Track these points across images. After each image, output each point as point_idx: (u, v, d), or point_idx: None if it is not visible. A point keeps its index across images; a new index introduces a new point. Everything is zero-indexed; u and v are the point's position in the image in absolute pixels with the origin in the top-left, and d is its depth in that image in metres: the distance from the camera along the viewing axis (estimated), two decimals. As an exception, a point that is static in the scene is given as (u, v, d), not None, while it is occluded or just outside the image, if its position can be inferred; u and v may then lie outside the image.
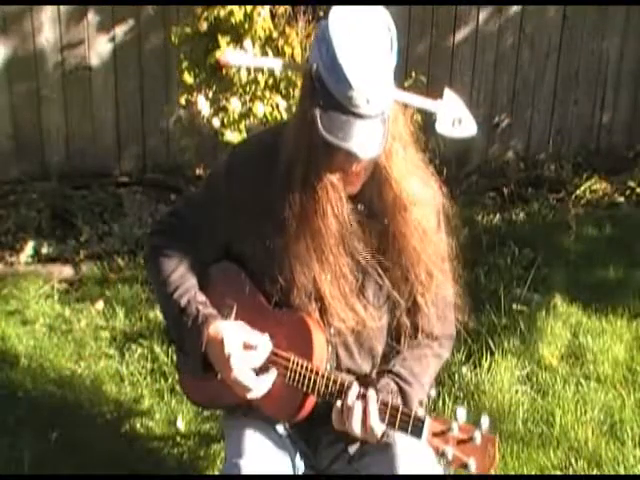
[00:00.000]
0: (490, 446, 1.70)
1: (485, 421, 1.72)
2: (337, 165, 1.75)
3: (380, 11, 1.71)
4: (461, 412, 1.74)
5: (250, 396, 1.86)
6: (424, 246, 1.88)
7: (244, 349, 1.84)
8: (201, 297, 1.93)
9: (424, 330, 1.99)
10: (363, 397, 1.79)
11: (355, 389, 1.81)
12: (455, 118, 1.88)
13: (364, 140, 1.68)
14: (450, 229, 1.97)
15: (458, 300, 2.03)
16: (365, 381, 1.91)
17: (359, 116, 1.67)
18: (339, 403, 1.81)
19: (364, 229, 1.85)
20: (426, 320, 1.98)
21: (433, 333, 2.00)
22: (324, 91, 1.67)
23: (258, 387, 1.85)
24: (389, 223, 1.86)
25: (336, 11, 1.68)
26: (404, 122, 1.82)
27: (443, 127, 1.89)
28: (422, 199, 1.87)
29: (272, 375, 1.86)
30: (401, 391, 1.90)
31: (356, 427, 1.79)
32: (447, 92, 1.90)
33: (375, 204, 1.85)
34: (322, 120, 1.66)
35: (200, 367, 1.90)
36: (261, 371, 1.86)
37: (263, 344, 1.87)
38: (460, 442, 1.72)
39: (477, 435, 1.71)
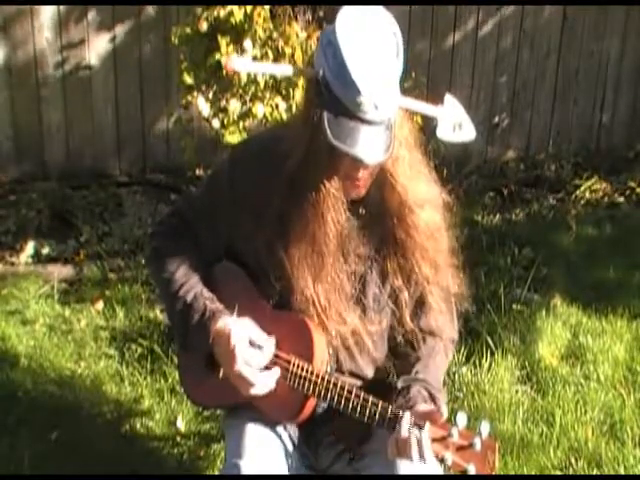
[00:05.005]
0: (490, 453, 1.69)
1: (485, 427, 1.70)
2: (343, 171, 1.74)
3: (386, 16, 1.70)
4: (461, 417, 1.72)
5: (254, 392, 1.84)
6: (430, 246, 1.87)
7: (250, 345, 1.83)
8: (207, 293, 1.92)
9: (431, 332, 1.98)
10: (416, 426, 1.73)
11: (407, 419, 1.75)
12: (455, 123, 1.89)
13: (371, 146, 1.67)
14: (451, 230, 1.97)
15: (461, 301, 2.02)
16: (366, 385, 1.91)
17: (366, 122, 1.66)
18: (393, 435, 1.75)
19: (365, 233, 1.85)
20: (432, 321, 1.97)
21: (441, 335, 1.99)
22: (331, 97, 1.66)
23: (262, 382, 1.83)
24: (394, 226, 1.85)
25: (342, 16, 1.67)
26: (409, 127, 1.81)
27: (444, 132, 1.89)
28: (429, 200, 1.86)
29: (275, 372, 1.85)
30: (431, 397, 1.89)
31: (414, 457, 1.72)
32: (447, 97, 1.90)
33: (377, 207, 1.84)
34: (330, 126, 1.65)
35: (204, 364, 1.89)
36: (265, 369, 1.85)
37: (268, 344, 1.86)
38: (460, 448, 1.71)
39: (477, 441, 1.69)
